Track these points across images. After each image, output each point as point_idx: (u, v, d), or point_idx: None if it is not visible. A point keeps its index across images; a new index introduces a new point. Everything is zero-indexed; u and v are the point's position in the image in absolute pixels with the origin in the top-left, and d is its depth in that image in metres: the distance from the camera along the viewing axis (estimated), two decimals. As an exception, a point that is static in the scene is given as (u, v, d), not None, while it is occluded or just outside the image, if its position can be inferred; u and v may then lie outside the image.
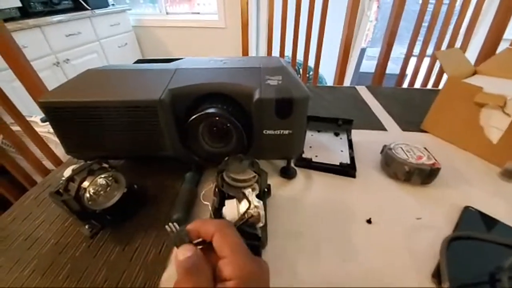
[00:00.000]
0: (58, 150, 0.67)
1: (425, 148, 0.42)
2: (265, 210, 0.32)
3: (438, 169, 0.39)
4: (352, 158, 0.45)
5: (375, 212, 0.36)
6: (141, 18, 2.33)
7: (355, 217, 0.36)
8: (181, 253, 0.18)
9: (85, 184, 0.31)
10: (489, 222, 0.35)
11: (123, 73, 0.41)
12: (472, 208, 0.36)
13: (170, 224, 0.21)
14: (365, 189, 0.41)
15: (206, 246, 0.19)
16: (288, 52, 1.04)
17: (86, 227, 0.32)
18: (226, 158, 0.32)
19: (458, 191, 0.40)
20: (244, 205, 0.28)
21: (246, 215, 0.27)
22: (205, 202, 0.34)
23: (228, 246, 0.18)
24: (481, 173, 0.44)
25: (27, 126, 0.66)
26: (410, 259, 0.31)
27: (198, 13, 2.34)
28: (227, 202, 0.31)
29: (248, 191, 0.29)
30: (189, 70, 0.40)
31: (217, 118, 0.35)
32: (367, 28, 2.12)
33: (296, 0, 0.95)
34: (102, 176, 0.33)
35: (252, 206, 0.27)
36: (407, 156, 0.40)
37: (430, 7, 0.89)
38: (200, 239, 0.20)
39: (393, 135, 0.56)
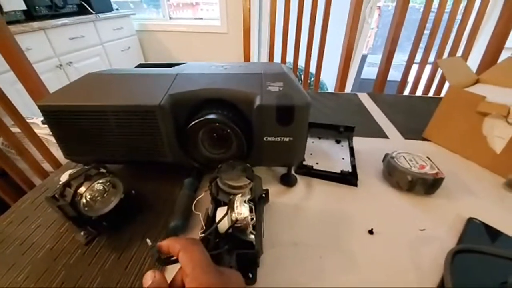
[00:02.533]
0: (58, 152, 0.67)
1: (427, 157, 0.42)
2: (262, 215, 0.31)
3: (441, 179, 0.38)
4: (353, 166, 0.45)
5: (377, 223, 0.36)
6: (144, 22, 2.35)
7: (357, 227, 0.35)
8: (145, 280, 0.19)
9: (82, 189, 0.31)
10: (494, 234, 0.34)
11: (123, 78, 0.41)
12: (476, 219, 0.36)
13: (148, 240, 0.22)
14: (367, 199, 0.40)
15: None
16: (289, 58, 1.04)
17: (82, 233, 0.32)
18: (219, 166, 0.32)
19: (461, 202, 0.40)
20: (234, 211, 0.27)
21: (231, 221, 0.26)
22: (196, 212, 0.33)
23: (191, 263, 0.19)
24: (485, 184, 0.43)
25: (27, 128, 0.66)
26: (413, 272, 0.30)
27: (201, 18, 2.37)
28: (218, 209, 0.30)
29: (236, 197, 0.28)
30: (190, 76, 0.40)
31: (217, 124, 0.34)
32: (368, 35, 2.13)
33: (298, 7, 0.95)
34: (100, 181, 0.33)
35: (235, 212, 0.27)
36: (410, 165, 0.40)
37: (432, 16, 0.89)
38: (170, 255, 0.21)
39: (395, 143, 0.56)
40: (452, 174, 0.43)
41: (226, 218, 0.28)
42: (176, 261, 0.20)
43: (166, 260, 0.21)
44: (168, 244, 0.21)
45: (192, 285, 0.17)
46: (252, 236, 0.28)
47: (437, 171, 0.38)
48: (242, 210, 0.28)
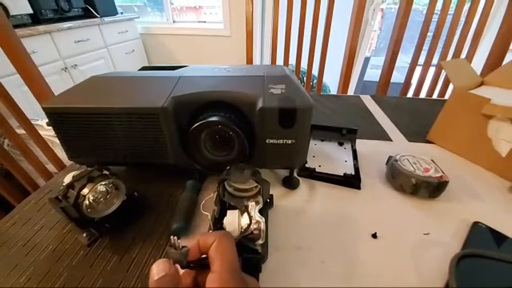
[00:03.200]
0: (63, 154, 0.67)
1: (432, 160, 0.41)
2: (266, 221, 0.31)
3: (446, 182, 0.37)
4: (356, 169, 0.44)
5: (381, 226, 0.35)
6: (148, 26, 2.38)
7: (360, 231, 0.35)
8: (156, 271, 0.17)
9: (85, 191, 0.31)
10: (500, 239, 0.33)
11: (127, 80, 0.41)
12: (482, 224, 0.35)
13: (173, 237, 0.20)
14: (370, 202, 0.40)
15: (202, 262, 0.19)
16: (292, 60, 1.04)
17: (84, 235, 0.32)
18: (227, 167, 0.32)
19: (466, 205, 0.39)
20: (245, 219, 0.27)
21: (247, 231, 0.26)
22: (205, 212, 0.33)
23: (220, 260, 0.18)
24: (491, 187, 0.43)
25: (32, 130, 0.67)
26: (417, 277, 0.29)
27: (204, 21, 2.39)
28: (229, 212, 0.30)
29: (251, 205, 0.28)
30: (192, 78, 0.40)
31: (219, 126, 0.34)
32: (371, 37, 2.13)
33: (301, 9, 0.96)
34: (102, 183, 0.33)
35: (253, 222, 0.26)
36: (414, 168, 0.39)
37: (435, 17, 0.89)
38: (195, 260, 0.19)
39: (399, 145, 0.55)
40: (457, 177, 0.43)
41: (237, 222, 0.27)
42: (198, 266, 0.19)
43: (189, 263, 0.19)
44: (199, 238, 0.19)
45: (216, 285, 0.16)
46: (260, 247, 0.28)
47: (442, 174, 0.38)
48: (257, 219, 0.27)
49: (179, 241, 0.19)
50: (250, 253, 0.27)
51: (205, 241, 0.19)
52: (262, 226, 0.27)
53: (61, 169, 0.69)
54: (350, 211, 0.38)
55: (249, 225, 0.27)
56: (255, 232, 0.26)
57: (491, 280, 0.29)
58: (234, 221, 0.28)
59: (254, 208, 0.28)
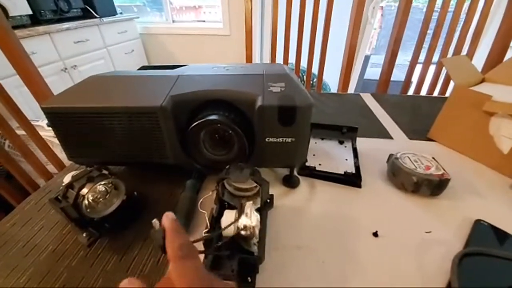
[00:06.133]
0: (63, 154, 0.67)
1: (433, 158, 0.41)
2: (266, 222, 0.31)
3: (447, 180, 0.37)
4: (357, 167, 0.44)
5: (382, 225, 0.35)
6: (148, 26, 2.38)
7: (361, 229, 0.35)
8: None
9: (84, 191, 0.31)
10: (502, 236, 0.33)
11: (126, 80, 0.41)
12: (484, 221, 0.35)
13: (155, 221, 0.21)
14: (371, 200, 0.40)
15: None
16: (292, 59, 1.04)
17: (84, 235, 0.32)
18: (227, 167, 0.31)
19: (468, 203, 0.39)
20: (242, 219, 0.27)
21: (237, 227, 0.26)
22: (202, 211, 0.33)
23: (181, 281, 0.16)
24: (493, 185, 0.42)
25: (32, 131, 0.67)
26: (419, 276, 0.29)
27: (204, 21, 2.39)
28: (226, 212, 0.30)
29: (248, 204, 0.28)
30: (191, 77, 0.40)
31: (218, 125, 0.34)
32: (371, 35, 2.12)
33: (300, 8, 0.95)
34: (102, 183, 0.33)
35: (245, 219, 0.26)
36: (415, 166, 0.39)
37: (435, 15, 0.89)
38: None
39: (400, 143, 0.55)
40: (458, 175, 0.42)
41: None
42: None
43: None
44: (166, 237, 0.19)
45: None
46: (255, 247, 0.28)
47: (443, 172, 0.38)
48: (252, 218, 0.27)
49: (155, 221, 0.21)
50: (246, 253, 0.27)
51: (167, 247, 0.18)
52: (255, 224, 0.27)
53: (61, 169, 0.69)
54: (350, 210, 0.38)
55: (236, 220, 0.27)
56: (248, 227, 0.26)
57: (493, 279, 0.29)
58: (231, 221, 0.28)
59: (250, 207, 0.28)
